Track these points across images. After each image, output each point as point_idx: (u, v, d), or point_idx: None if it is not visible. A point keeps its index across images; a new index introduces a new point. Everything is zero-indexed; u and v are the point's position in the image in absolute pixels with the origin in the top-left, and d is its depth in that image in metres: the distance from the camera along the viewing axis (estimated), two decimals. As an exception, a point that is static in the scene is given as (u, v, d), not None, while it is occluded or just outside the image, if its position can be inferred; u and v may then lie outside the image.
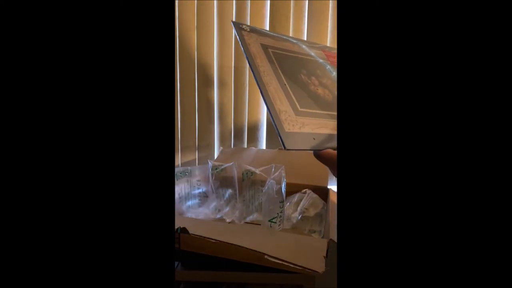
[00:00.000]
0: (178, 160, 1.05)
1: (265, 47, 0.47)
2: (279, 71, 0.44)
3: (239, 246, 0.51)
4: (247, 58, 0.45)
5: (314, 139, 0.39)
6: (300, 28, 0.98)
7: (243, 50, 0.46)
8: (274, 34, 0.52)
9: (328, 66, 0.49)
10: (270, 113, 0.40)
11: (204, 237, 0.53)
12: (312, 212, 0.77)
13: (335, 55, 0.49)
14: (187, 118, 1.04)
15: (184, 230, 0.52)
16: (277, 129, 0.39)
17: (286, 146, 0.38)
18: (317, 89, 0.45)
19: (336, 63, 0.47)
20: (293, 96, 0.42)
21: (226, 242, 0.53)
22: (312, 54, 0.50)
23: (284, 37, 0.52)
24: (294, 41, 0.52)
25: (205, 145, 1.05)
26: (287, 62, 0.47)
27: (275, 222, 0.73)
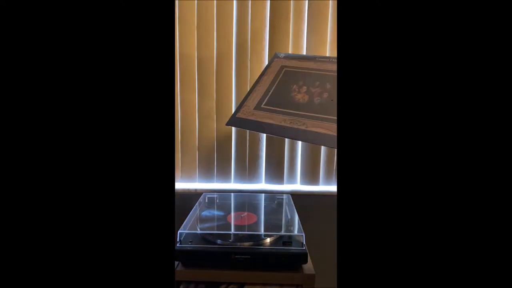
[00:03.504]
0: (178, 161, 1.06)
1: (282, 68, 0.65)
2: (276, 82, 0.63)
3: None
4: (260, 75, 0.64)
5: (252, 123, 0.58)
6: (300, 28, 0.98)
7: (261, 73, 0.65)
8: (305, 56, 0.67)
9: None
10: (238, 106, 0.60)
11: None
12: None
13: None
14: (187, 118, 1.04)
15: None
16: (233, 115, 0.59)
17: (227, 123, 0.61)
18: (297, 95, 0.60)
19: None
20: (266, 98, 0.61)
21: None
22: (329, 69, 0.63)
23: (314, 57, 0.66)
24: (324, 59, 0.65)
25: (205, 145, 1.05)
26: (290, 76, 0.63)
27: None
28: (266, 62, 1.00)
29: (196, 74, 1.02)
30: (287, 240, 0.68)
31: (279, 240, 0.69)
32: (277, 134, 0.62)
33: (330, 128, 0.54)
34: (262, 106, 0.61)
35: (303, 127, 0.56)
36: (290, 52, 0.99)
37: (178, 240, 0.68)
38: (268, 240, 0.69)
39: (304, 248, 0.66)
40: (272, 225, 0.76)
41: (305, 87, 0.61)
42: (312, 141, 0.57)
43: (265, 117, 0.59)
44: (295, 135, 0.56)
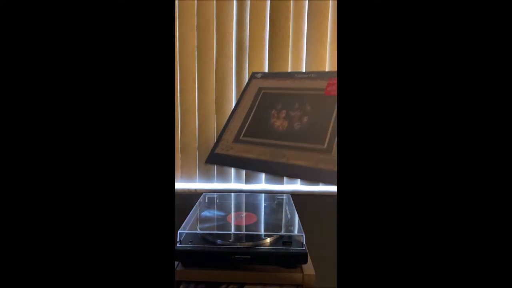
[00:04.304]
0: (178, 161, 1.06)
1: (260, 90, 0.62)
2: (254, 107, 0.59)
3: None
4: (237, 101, 0.60)
5: (230, 159, 0.55)
6: (300, 28, 0.98)
7: (240, 95, 0.60)
8: (283, 74, 0.61)
9: (317, 97, 0.59)
10: (217, 140, 0.58)
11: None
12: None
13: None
14: (187, 118, 1.04)
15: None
16: (212, 150, 0.58)
17: (206, 161, 0.61)
18: (276, 121, 0.58)
19: (331, 92, 0.56)
20: (245, 128, 0.58)
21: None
22: (308, 87, 0.59)
23: (292, 74, 0.60)
24: (303, 76, 0.60)
25: (205, 145, 1.05)
26: (269, 99, 0.60)
27: None
28: (266, 62, 1.00)
29: (196, 74, 1.02)
30: (287, 240, 0.68)
31: (279, 240, 0.69)
32: (258, 170, 0.61)
33: (310, 159, 0.53)
34: (241, 138, 0.59)
35: (283, 160, 0.55)
36: (290, 53, 0.99)
37: (178, 240, 0.68)
38: (268, 240, 0.69)
39: (304, 248, 0.66)
40: (272, 225, 0.76)
41: (284, 111, 0.59)
42: (293, 175, 0.55)
43: (244, 150, 0.58)
44: (276, 170, 0.56)
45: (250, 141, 0.57)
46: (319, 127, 0.53)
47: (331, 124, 0.52)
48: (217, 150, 0.59)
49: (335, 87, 0.55)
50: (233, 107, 1.03)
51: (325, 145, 0.52)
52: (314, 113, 0.56)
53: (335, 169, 0.48)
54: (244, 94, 0.60)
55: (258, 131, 0.58)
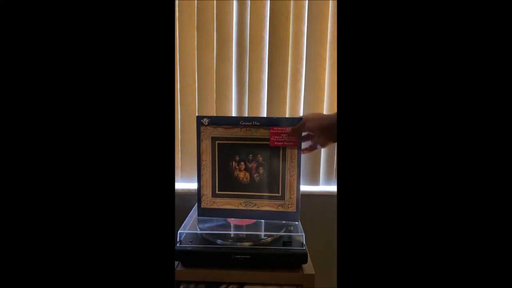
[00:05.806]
0: (179, 161, 1.06)
1: (214, 140, 0.71)
2: (216, 161, 0.71)
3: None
4: (198, 151, 0.71)
5: (218, 211, 0.71)
6: (300, 28, 0.98)
7: (197, 143, 0.71)
8: (229, 121, 0.71)
9: (265, 147, 0.70)
10: (198, 194, 0.72)
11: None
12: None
13: (281, 130, 0.68)
14: (187, 118, 1.04)
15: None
16: (198, 204, 0.72)
17: (198, 215, 0.73)
18: (239, 173, 0.70)
19: (275, 142, 0.68)
20: (216, 183, 0.71)
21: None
22: (256, 137, 0.70)
23: (238, 122, 0.70)
24: (247, 123, 0.70)
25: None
26: (225, 152, 0.71)
27: None
28: (266, 63, 1.00)
29: (196, 74, 1.02)
30: (287, 240, 0.68)
31: (279, 240, 0.69)
32: (238, 217, 0.74)
33: (271, 205, 0.70)
34: (217, 192, 0.72)
35: (255, 208, 0.70)
36: (290, 53, 0.99)
37: (178, 240, 0.68)
38: (268, 240, 0.69)
39: (304, 248, 0.66)
40: (272, 225, 0.76)
41: (242, 163, 0.70)
42: (264, 218, 0.71)
43: (224, 203, 0.72)
44: (252, 216, 0.71)
45: (226, 194, 0.71)
46: (272, 177, 0.69)
47: (280, 173, 0.68)
48: (203, 205, 0.72)
49: (277, 137, 0.67)
50: (233, 108, 1.03)
51: (280, 193, 0.69)
52: (266, 163, 0.69)
53: (290, 210, 0.68)
54: (201, 145, 0.71)
55: (228, 185, 0.71)
